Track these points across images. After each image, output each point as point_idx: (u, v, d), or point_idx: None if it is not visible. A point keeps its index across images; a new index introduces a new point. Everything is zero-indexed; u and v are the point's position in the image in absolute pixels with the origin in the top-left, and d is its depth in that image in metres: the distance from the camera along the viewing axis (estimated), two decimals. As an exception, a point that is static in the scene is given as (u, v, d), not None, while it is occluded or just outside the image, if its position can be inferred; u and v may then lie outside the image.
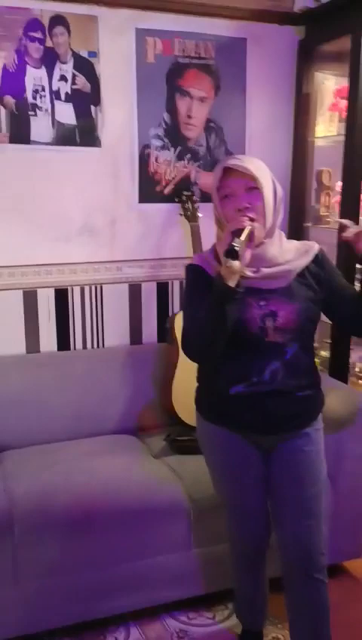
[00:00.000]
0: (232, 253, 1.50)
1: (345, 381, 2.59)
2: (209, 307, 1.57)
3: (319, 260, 1.71)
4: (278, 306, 1.63)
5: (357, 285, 2.29)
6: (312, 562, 1.73)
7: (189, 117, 2.68)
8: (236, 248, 1.50)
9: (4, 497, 2.00)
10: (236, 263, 1.50)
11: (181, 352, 2.50)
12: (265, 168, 1.64)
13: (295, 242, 1.75)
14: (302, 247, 1.72)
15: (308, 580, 1.74)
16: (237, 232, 1.54)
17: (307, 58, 2.71)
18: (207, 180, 2.71)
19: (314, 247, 1.73)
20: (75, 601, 2.00)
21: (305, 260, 1.69)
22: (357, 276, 2.68)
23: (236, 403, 1.67)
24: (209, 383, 1.76)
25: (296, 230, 2.81)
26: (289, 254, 1.68)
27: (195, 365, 1.78)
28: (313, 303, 1.68)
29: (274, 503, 1.77)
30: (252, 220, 1.58)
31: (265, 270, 1.63)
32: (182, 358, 2.50)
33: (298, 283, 1.67)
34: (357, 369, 2.84)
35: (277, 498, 1.76)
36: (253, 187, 1.60)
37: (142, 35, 2.54)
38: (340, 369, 2.62)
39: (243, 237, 1.53)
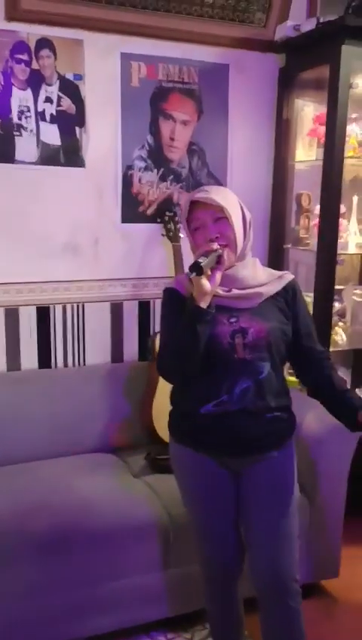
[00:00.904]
0: (196, 268, 1.55)
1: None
2: (182, 328, 1.61)
3: (292, 290, 1.75)
4: (248, 324, 1.66)
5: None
6: (284, 588, 1.70)
7: (172, 139, 2.72)
8: (201, 264, 1.54)
9: (-19, 517, 1.99)
10: (203, 281, 1.56)
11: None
12: (231, 197, 1.69)
13: (270, 269, 1.80)
14: (276, 274, 1.77)
15: (281, 606, 1.72)
16: (206, 254, 1.59)
17: (287, 85, 2.78)
18: (189, 201, 2.76)
19: (289, 277, 1.77)
20: (52, 622, 1.98)
21: (276, 286, 1.73)
22: (336, 297, 2.74)
23: (205, 423, 1.68)
24: (180, 402, 1.77)
25: (276, 251, 2.87)
26: (261, 278, 1.73)
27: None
28: (283, 325, 1.71)
29: (245, 526, 1.76)
30: (223, 246, 1.62)
31: (237, 291, 1.68)
32: (163, 376, 2.54)
33: (269, 304, 1.71)
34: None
35: (247, 521, 1.75)
36: (220, 217, 1.65)
37: (127, 59, 2.59)
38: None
39: (210, 256, 1.58)
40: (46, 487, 2.17)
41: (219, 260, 1.60)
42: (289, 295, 1.74)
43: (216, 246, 1.60)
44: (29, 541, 1.95)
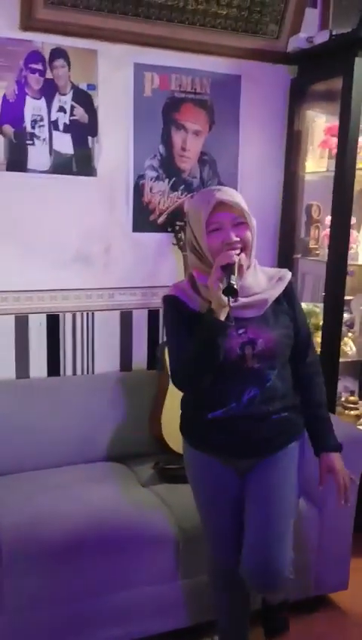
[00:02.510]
0: (231, 292, 1.53)
1: (333, 411, 2.62)
2: (200, 341, 1.61)
3: (291, 289, 1.77)
4: (257, 334, 1.67)
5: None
6: (274, 586, 1.75)
7: (184, 149, 2.74)
8: (235, 286, 1.53)
9: (-10, 525, 1.98)
10: (231, 301, 1.54)
11: (170, 380, 2.55)
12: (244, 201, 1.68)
13: (267, 270, 1.80)
14: (275, 275, 1.77)
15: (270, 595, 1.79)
16: (227, 267, 1.57)
17: (299, 96, 2.80)
18: (199, 210, 2.77)
19: (288, 276, 1.78)
20: (62, 632, 1.97)
21: (279, 289, 1.74)
22: (345, 307, 2.74)
23: (213, 427, 1.71)
24: (190, 408, 1.81)
25: (286, 261, 2.87)
26: (263, 282, 1.73)
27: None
28: (288, 329, 1.73)
29: (246, 520, 1.77)
30: (239, 252, 1.62)
31: (243, 299, 1.67)
32: (172, 386, 2.53)
33: (273, 310, 1.72)
34: (343, 399, 2.88)
35: (245, 517, 1.76)
36: (241, 222, 1.64)
37: (140, 69, 2.60)
38: (328, 399, 2.64)
39: (236, 272, 1.56)
40: (55, 496, 2.16)
41: (239, 270, 1.60)
42: (289, 296, 1.76)
43: (236, 258, 1.59)
44: (39, 551, 1.94)
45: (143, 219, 2.71)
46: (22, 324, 2.59)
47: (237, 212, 1.64)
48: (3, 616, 1.91)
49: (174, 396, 2.51)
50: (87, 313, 2.68)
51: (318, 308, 2.81)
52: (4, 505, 2.10)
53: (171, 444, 2.50)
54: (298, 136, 2.83)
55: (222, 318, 1.58)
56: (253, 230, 1.66)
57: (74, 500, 2.14)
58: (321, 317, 2.73)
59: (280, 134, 2.88)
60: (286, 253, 2.90)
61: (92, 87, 2.54)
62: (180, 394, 1.82)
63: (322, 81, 2.69)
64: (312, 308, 2.81)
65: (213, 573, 1.92)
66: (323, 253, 2.72)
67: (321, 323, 2.70)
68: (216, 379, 1.65)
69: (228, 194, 1.65)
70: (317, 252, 2.83)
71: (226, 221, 1.64)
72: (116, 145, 2.61)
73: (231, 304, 1.61)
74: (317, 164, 2.81)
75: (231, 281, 1.54)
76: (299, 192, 2.88)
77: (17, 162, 2.47)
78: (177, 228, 2.69)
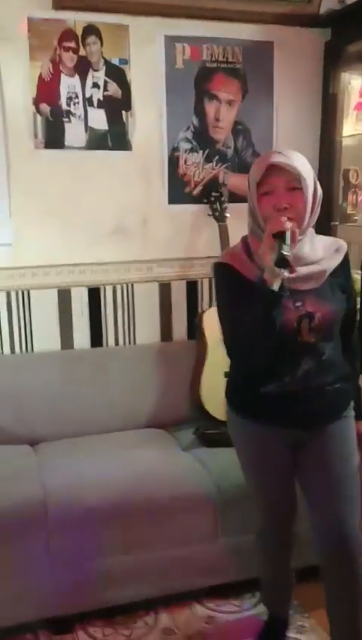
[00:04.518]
0: (283, 262, 1.47)
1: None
2: (255, 312, 1.54)
3: (346, 261, 1.72)
4: (315, 308, 1.62)
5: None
6: (346, 549, 1.70)
7: (217, 120, 2.74)
8: (287, 257, 1.46)
9: (39, 488, 2.09)
10: (284, 272, 1.48)
11: (209, 348, 2.60)
12: (309, 166, 1.59)
13: (323, 238, 1.74)
14: (332, 245, 1.71)
15: (344, 568, 1.72)
16: (279, 235, 1.50)
17: (333, 59, 2.74)
18: (235, 181, 2.78)
19: (344, 246, 1.73)
20: (106, 586, 2.08)
21: (337, 260, 1.69)
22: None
23: (266, 400, 1.69)
24: (240, 379, 1.78)
25: (324, 229, 2.83)
26: (320, 252, 1.67)
27: (223, 361, 1.80)
28: (344, 302, 1.70)
29: (305, 491, 1.79)
30: (290, 219, 1.53)
31: (301, 270, 1.60)
32: (210, 354, 2.59)
33: (330, 283, 1.67)
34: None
35: (307, 485, 1.77)
36: (295, 187, 1.56)
37: (171, 41, 2.62)
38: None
39: (288, 241, 1.49)
40: (99, 460, 2.26)
41: (292, 239, 1.51)
42: (344, 268, 1.71)
43: (288, 225, 1.51)
44: (84, 510, 2.04)
45: (179, 191, 2.74)
46: (65, 297, 2.68)
47: (293, 176, 1.55)
48: (51, 570, 2.02)
49: (213, 364, 2.57)
50: (127, 285, 2.75)
51: (357, 275, 2.78)
52: (50, 468, 2.21)
53: (210, 411, 2.56)
54: (333, 99, 2.78)
55: (276, 288, 1.51)
56: (307, 200, 1.57)
57: (116, 464, 2.23)
58: (360, 284, 2.70)
59: (316, 99, 2.84)
60: (324, 220, 2.87)
61: (124, 61, 2.58)
62: (219, 362, 1.83)
63: (356, 41, 2.62)
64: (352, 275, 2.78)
65: (260, 534, 1.94)
66: (362, 218, 2.69)
67: (359, 291, 2.67)
68: (270, 352, 1.61)
69: (284, 156, 1.56)
70: (356, 218, 2.79)
71: (278, 185, 1.56)
72: (150, 118, 2.65)
73: (288, 275, 1.53)
74: (353, 127, 2.76)
75: (283, 251, 1.47)
76: (336, 157, 2.83)
77: (55, 140, 2.54)
78: (213, 199, 2.71)
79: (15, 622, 2.04)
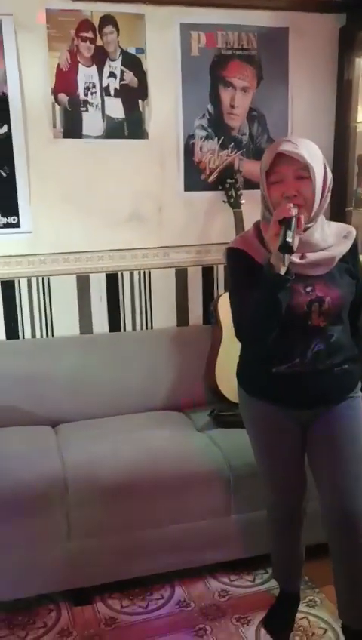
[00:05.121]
0: (286, 248, 1.51)
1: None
2: (261, 295, 1.59)
3: (355, 248, 1.75)
4: (325, 292, 1.68)
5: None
6: (352, 524, 1.75)
7: (232, 107, 2.77)
8: (289, 243, 1.51)
9: (59, 465, 2.18)
10: (289, 257, 1.53)
11: (224, 333, 2.66)
12: (318, 155, 1.63)
13: (334, 225, 1.77)
14: (341, 231, 1.75)
15: (350, 542, 1.78)
16: (285, 222, 1.54)
17: (348, 45, 2.75)
18: (250, 167, 2.81)
19: (353, 233, 1.76)
20: (123, 559, 2.16)
21: (345, 246, 1.73)
22: None
23: (276, 380, 1.75)
24: (252, 361, 1.84)
25: (338, 214, 2.87)
26: (330, 239, 1.71)
27: (238, 345, 1.84)
28: (352, 287, 1.74)
29: (313, 468, 1.85)
30: (298, 206, 1.58)
31: (310, 256, 1.66)
32: (226, 338, 2.65)
33: (339, 269, 1.72)
34: None
35: (315, 463, 1.83)
36: (303, 176, 1.59)
37: (186, 29, 2.65)
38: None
39: (292, 227, 1.53)
40: (116, 439, 2.34)
41: (297, 224, 1.55)
42: (354, 254, 1.75)
43: (294, 211, 1.55)
44: (101, 486, 2.13)
45: (194, 178, 2.79)
46: (83, 283, 2.76)
47: (301, 165, 1.59)
48: (72, 542, 2.11)
49: (228, 348, 2.62)
50: (144, 271, 2.82)
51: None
52: (70, 447, 2.30)
53: (225, 393, 2.61)
54: (348, 85, 2.79)
55: (282, 272, 1.55)
56: (316, 188, 1.60)
57: (132, 443, 2.31)
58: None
59: (331, 85, 2.85)
60: (339, 206, 2.89)
61: (140, 50, 2.62)
62: (234, 346, 1.86)
63: (371, 26, 2.64)
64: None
65: (270, 510, 2.01)
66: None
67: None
68: (281, 335, 1.65)
69: (293, 145, 1.59)
70: (370, 203, 2.81)
71: (287, 173, 1.60)
72: (166, 106, 2.69)
73: (298, 261, 1.59)
74: (368, 113, 2.78)
75: (287, 238, 1.51)
76: (351, 143, 2.85)
77: (73, 129, 2.60)
78: (228, 185, 2.75)
79: (37, 593, 2.14)
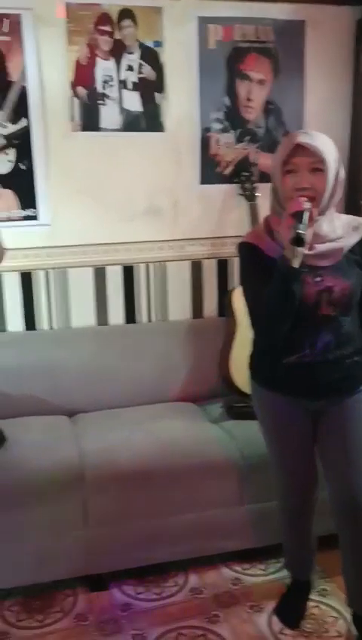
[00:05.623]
0: (299, 241, 1.54)
1: None
2: (275, 288, 1.63)
3: None
4: (333, 282, 1.70)
5: None
6: (360, 514, 1.79)
7: (249, 100, 2.78)
8: (302, 235, 1.54)
9: (76, 454, 2.22)
10: (302, 250, 1.57)
11: (238, 325, 2.68)
12: (333, 150, 1.66)
13: (344, 217, 1.79)
14: (351, 223, 1.77)
15: (358, 532, 1.81)
16: (297, 215, 1.57)
17: (365, 37, 2.75)
18: (265, 160, 2.82)
19: None
20: (138, 546, 2.21)
21: (355, 237, 1.75)
22: None
23: (287, 371, 1.79)
24: (263, 352, 1.87)
25: (353, 208, 2.87)
26: (339, 230, 1.73)
27: (251, 337, 1.90)
28: (360, 278, 1.75)
29: (323, 458, 1.88)
30: (310, 199, 1.61)
31: (319, 247, 1.69)
32: (240, 330, 2.67)
33: (348, 260, 1.73)
34: None
35: (325, 453, 1.87)
36: (318, 169, 1.62)
37: (203, 22, 2.66)
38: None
39: (305, 220, 1.56)
40: (131, 429, 2.38)
41: (309, 217, 1.58)
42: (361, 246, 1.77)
43: (307, 205, 1.58)
44: (116, 474, 2.17)
45: (210, 171, 2.81)
46: (100, 275, 2.79)
47: (316, 158, 1.61)
48: (89, 529, 2.16)
49: (242, 340, 2.64)
50: (160, 264, 2.84)
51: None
52: (87, 436, 2.35)
53: (239, 385, 2.64)
54: (365, 78, 2.79)
55: (296, 265, 1.59)
56: (331, 180, 1.63)
57: (147, 433, 2.35)
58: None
59: (347, 78, 2.85)
60: (354, 199, 2.90)
61: (158, 43, 2.63)
62: (248, 338, 1.91)
63: (389, 19, 2.62)
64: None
65: (282, 500, 2.04)
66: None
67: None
68: (291, 325, 1.69)
69: (310, 137, 1.62)
70: (386, 197, 2.81)
71: (302, 165, 1.63)
72: (182, 99, 2.71)
73: (306, 252, 1.61)
74: (385, 106, 2.77)
75: (299, 230, 1.54)
76: (368, 136, 2.85)
77: (91, 122, 2.63)
78: (243, 178, 2.77)
79: (54, 579, 2.19)
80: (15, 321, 2.72)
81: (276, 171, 1.69)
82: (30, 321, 2.74)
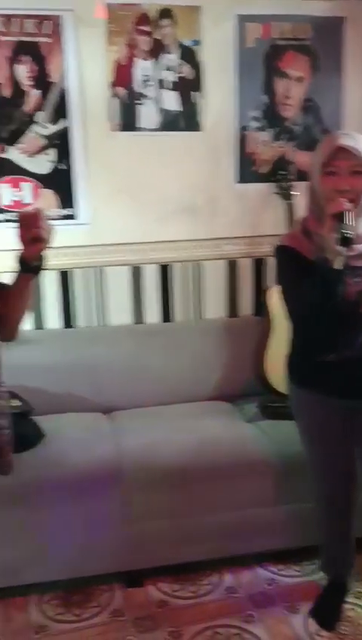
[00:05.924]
0: (347, 241, 1.55)
1: None
2: (317, 290, 1.63)
3: None
4: None
5: None
6: None
7: (286, 97, 2.76)
8: (350, 235, 1.54)
9: (115, 451, 2.25)
10: (344, 250, 1.56)
11: (274, 324, 2.67)
12: None
13: None
14: None
15: None
16: (339, 216, 1.58)
17: None
18: (303, 158, 2.80)
19: None
20: (176, 544, 2.23)
21: None
22: None
23: (324, 370, 1.79)
24: (300, 350, 1.88)
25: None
26: None
27: (287, 337, 1.91)
28: None
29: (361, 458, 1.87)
30: (350, 200, 1.62)
31: (359, 248, 1.68)
32: (275, 330, 2.66)
33: None
34: None
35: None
36: (358, 171, 1.63)
37: (242, 20, 2.65)
38: None
39: (349, 221, 1.56)
40: (168, 428, 2.40)
41: (351, 218, 1.59)
42: None
43: (347, 205, 1.60)
44: (154, 472, 2.19)
45: (247, 170, 2.80)
46: (137, 274, 2.81)
47: (357, 161, 1.62)
48: (125, 527, 2.19)
49: (278, 340, 2.63)
50: (196, 263, 2.85)
51: None
52: (125, 434, 2.37)
53: (274, 384, 2.63)
54: None
55: (338, 266, 1.60)
56: None
57: (184, 431, 2.36)
58: None
59: (388, 74, 2.81)
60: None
61: (196, 42, 2.63)
62: (283, 337, 1.91)
63: None
64: None
65: (319, 502, 2.04)
66: None
67: None
68: (330, 325, 1.71)
69: (353, 140, 1.63)
70: None
71: (343, 167, 1.64)
72: (220, 98, 2.71)
73: (346, 253, 1.62)
74: None
75: (344, 231, 1.55)
76: None
77: (129, 122, 2.64)
78: (280, 177, 2.75)
79: (92, 574, 2.22)
80: (53, 318, 2.76)
81: (315, 172, 1.69)
82: (68, 319, 2.77)
